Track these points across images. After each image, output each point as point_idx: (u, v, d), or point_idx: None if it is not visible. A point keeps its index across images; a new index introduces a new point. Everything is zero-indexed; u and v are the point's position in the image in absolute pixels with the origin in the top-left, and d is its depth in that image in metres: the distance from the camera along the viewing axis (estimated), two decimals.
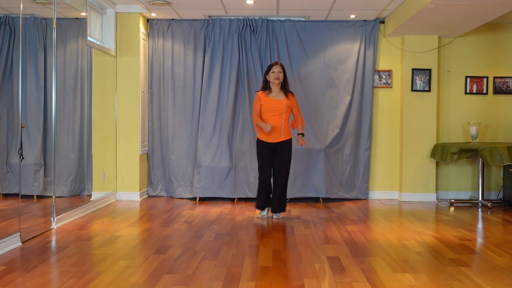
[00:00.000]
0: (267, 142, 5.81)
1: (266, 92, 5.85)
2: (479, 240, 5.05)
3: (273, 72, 5.81)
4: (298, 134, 5.95)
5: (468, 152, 6.76)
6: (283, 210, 5.98)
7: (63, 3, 5.80)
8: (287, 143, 5.83)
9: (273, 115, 5.77)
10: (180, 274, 3.77)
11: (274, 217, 5.96)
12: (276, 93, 5.84)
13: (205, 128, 7.27)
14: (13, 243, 4.47)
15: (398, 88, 7.45)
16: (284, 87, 5.86)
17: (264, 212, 5.99)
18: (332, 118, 7.29)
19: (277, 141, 5.79)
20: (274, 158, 5.84)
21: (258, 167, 5.93)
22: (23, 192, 5.24)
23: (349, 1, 6.34)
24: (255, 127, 5.95)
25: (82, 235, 5.04)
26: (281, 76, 5.81)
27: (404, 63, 7.28)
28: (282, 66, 5.86)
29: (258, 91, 5.97)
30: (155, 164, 7.49)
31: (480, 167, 7.04)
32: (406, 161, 7.28)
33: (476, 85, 7.47)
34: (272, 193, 5.95)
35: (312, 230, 5.35)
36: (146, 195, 7.50)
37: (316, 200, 7.28)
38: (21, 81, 4.89)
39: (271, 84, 5.85)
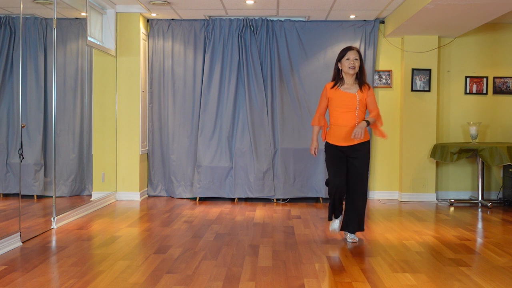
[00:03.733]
0: (339, 146, 4.73)
1: (338, 84, 4.75)
2: (479, 240, 5.05)
3: (347, 59, 4.66)
4: (365, 120, 4.65)
5: (468, 152, 6.76)
6: (362, 228, 4.84)
7: (63, 3, 5.80)
8: (364, 146, 4.74)
9: (345, 112, 4.68)
10: (180, 274, 3.77)
11: (349, 240, 4.80)
12: (349, 85, 4.73)
13: (205, 128, 7.27)
14: (13, 243, 4.47)
15: (398, 88, 7.45)
16: (360, 78, 4.75)
17: (336, 225, 4.88)
18: None
19: (351, 144, 4.70)
20: (347, 164, 4.76)
21: (328, 175, 4.83)
22: (23, 192, 5.24)
23: (349, 1, 6.34)
24: (312, 124, 5.02)
25: (82, 235, 5.05)
26: (357, 64, 4.66)
27: (404, 63, 7.28)
28: (358, 52, 4.70)
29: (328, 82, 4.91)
30: (155, 164, 7.50)
31: (480, 167, 7.04)
32: (406, 161, 7.28)
33: (476, 85, 7.48)
34: (345, 208, 4.85)
35: (312, 230, 5.35)
36: (146, 195, 7.50)
37: (316, 200, 7.28)
38: (21, 81, 4.90)
39: (344, 74, 4.73)
